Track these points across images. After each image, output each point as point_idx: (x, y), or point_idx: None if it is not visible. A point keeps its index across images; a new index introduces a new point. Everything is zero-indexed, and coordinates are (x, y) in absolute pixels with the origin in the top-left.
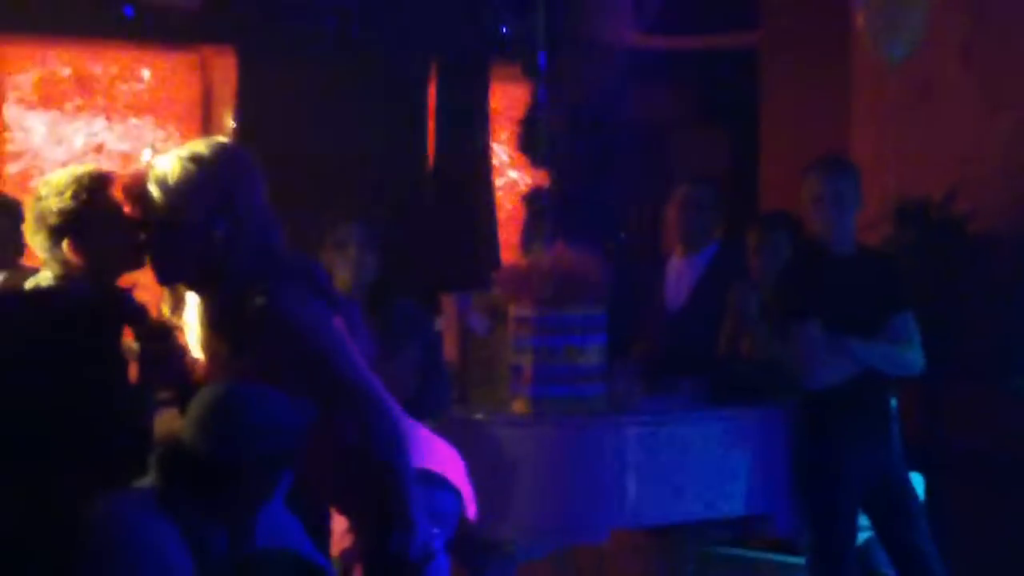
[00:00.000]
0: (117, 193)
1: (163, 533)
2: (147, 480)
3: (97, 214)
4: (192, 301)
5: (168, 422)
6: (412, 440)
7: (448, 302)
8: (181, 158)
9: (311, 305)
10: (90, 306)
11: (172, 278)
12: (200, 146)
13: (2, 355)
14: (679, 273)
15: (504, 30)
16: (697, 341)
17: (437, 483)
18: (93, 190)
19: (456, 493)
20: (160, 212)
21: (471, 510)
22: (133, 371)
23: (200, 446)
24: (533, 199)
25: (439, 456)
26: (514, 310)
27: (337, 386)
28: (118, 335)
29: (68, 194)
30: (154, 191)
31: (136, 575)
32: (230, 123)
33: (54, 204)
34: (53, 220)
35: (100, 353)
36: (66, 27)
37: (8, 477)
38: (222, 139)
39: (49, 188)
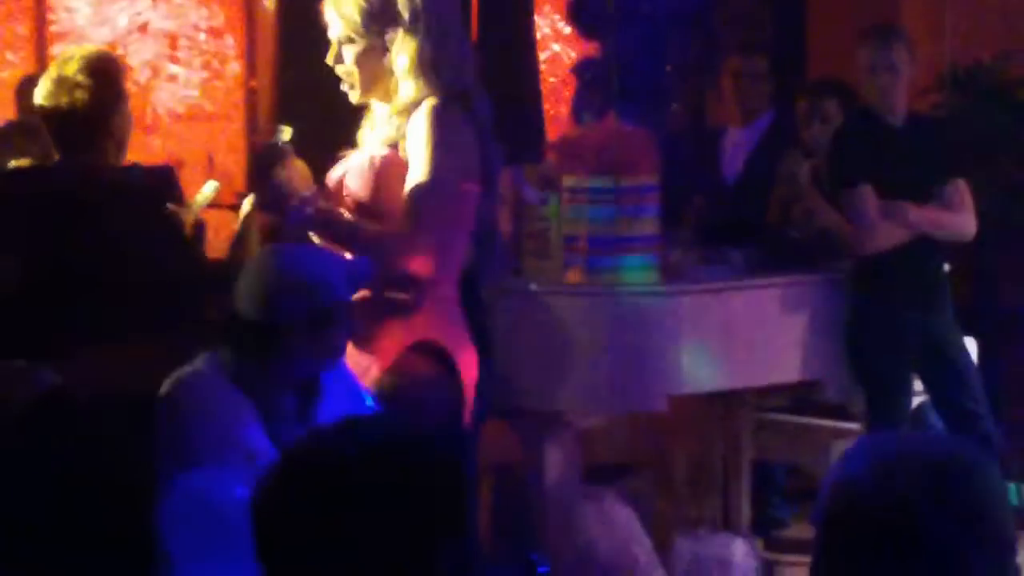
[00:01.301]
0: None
1: (234, 401)
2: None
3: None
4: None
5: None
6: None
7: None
8: None
9: (459, 130)
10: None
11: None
12: None
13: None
14: (734, 144)
15: None
16: (751, 211)
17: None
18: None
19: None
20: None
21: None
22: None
23: (248, 309)
24: (584, 70)
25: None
26: (568, 181)
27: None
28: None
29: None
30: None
31: (208, 443)
32: (272, 1)
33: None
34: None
35: (160, 222)
36: None
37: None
38: None
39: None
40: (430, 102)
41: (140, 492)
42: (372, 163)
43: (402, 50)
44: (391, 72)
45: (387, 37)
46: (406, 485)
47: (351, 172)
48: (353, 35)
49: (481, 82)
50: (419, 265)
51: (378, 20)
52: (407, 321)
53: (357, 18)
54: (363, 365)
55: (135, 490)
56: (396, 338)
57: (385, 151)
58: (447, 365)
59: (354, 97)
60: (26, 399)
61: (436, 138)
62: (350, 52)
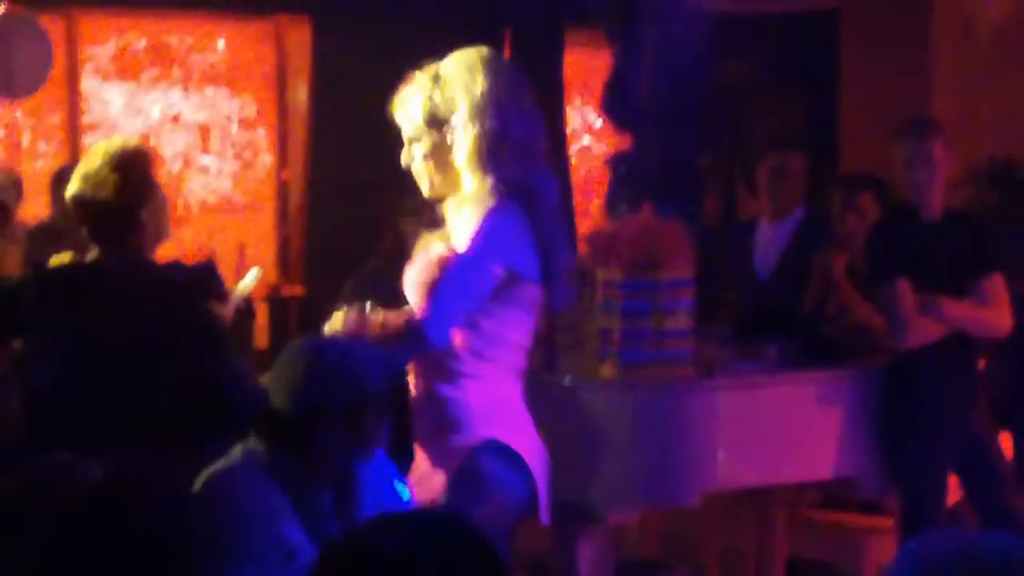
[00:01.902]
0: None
1: (271, 496)
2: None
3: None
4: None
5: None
6: (509, 417)
7: None
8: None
9: (512, 226)
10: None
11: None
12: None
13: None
14: (768, 238)
15: None
16: (786, 305)
17: (512, 460)
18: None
19: (528, 479)
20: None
21: (543, 513)
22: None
23: (280, 400)
24: (617, 163)
25: (526, 441)
26: (602, 274)
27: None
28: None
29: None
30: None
31: (246, 540)
32: (304, 93)
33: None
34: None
35: (198, 324)
36: None
37: (124, 450)
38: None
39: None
40: (486, 200)
41: None
42: (430, 262)
43: (462, 144)
44: (456, 168)
45: (448, 133)
46: None
47: (412, 271)
48: (419, 134)
49: (550, 166)
50: (458, 349)
51: (439, 116)
52: (468, 417)
53: (420, 117)
54: (423, 468)
55: None
56: (457, 434)
57: (444, 248)
58: (514, 462)
59: (428, 193)
60: (77, 492)
61: (480, 230)
62: (418, 150)
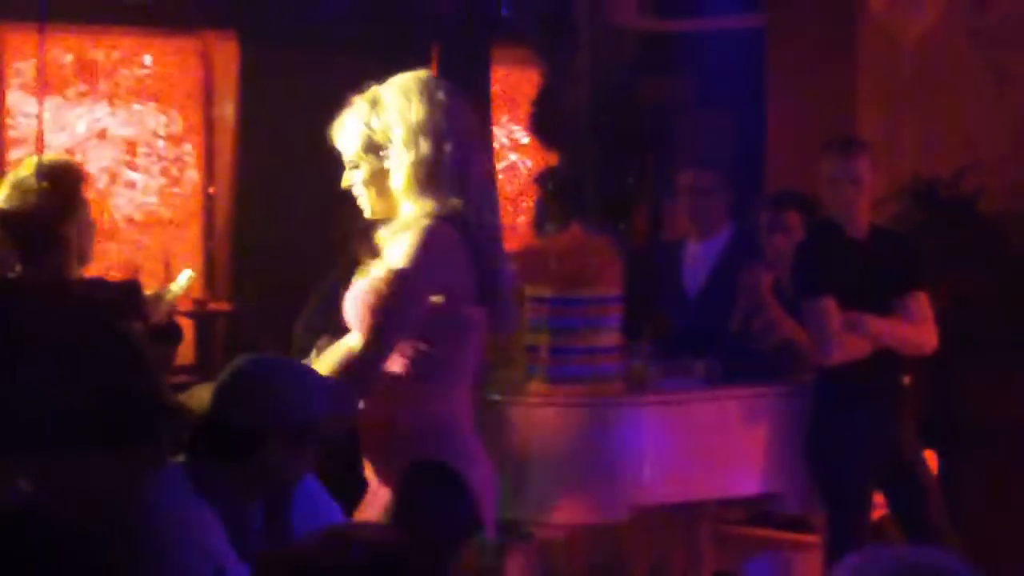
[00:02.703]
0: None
1: (199, 512)
2: (179, 458)
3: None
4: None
5: (201, 395)
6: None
7: None
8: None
9: (447, 251)
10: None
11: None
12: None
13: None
14: (695, 258)
15: (504, 12)
16: (714, 323)
17: (451, 482)
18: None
19: (467, 501)
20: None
21: (488, 527)
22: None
23: (224, 415)
24: (545, 180)
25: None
26: (530, 291)
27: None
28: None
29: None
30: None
31: (175, 555)
32: (231, 109)
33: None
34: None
35: (121, 341)
36: (68, 13)
37: (45, 466)
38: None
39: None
40: (421, 223)
41: None
42: (369, 288)
43: (398, 170)
44: (394, 193)
45: (385, 158)
46: None
47: (351, 297)
48: (357, 159)
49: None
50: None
51: (376, 142)
52: (413, 439)
53: (358, 143)
54: (372, 486)
55: None
56: (402, 457)
57: (381, 273)
58: (454, 484)
59: (370, 216)
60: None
61: (414, 254)
62: (358, 176)
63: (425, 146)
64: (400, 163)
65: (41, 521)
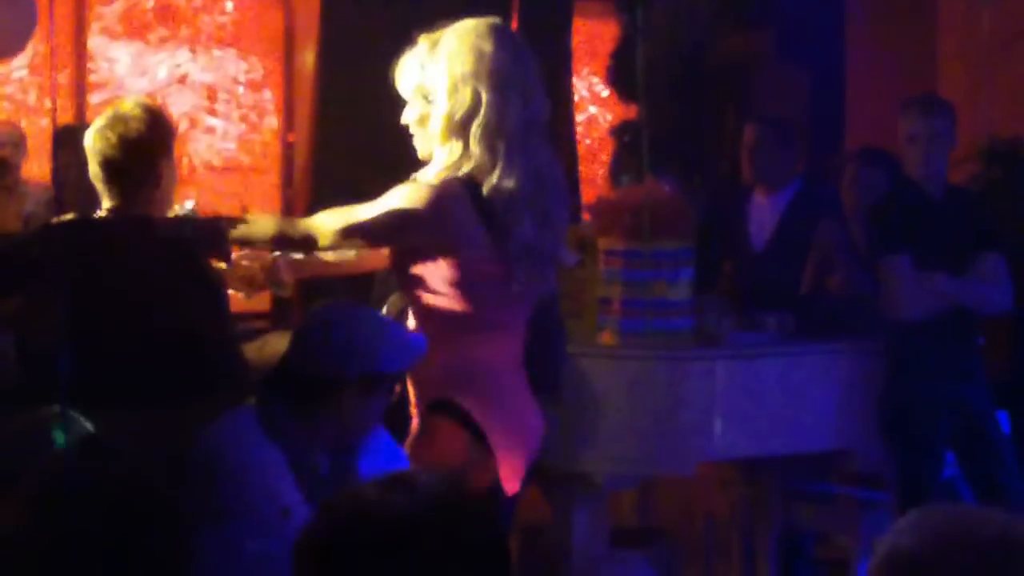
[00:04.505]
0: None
1: (267, 454)
2: (252, 401)
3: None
4: None
5: (275, 343)
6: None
7: None
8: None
9: (449, 210)
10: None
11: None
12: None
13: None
14: (761, 210)
15: None
16: (782, 277)
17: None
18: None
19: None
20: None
21: (509, 484)
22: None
23: (299, 363)
24: (622, 132)
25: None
26: (604, 243)
27: None
28: (209, 267)
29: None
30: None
31: (241, 496)
32: (312, 57)
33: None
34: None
35: (197, 282)
36: None
37: (120, 411)
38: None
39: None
40: (432, 179)
41: (172, 545)
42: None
43: (436, 118)
44: (433, 137)
45: (432, 103)
46: (447, 545)
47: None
48: (410, 99)
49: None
50: None
51: (425, 86)
52: (442, 381)
53: (412, 84)
54: (413, 424)
55: (167, 543)
56: (431, 395)
57: None
58: (464, 426)
59: (421, 156)
60: (61, 444)
61: (400, 200)
62: (411, 115)
63: (465, 96)
64: (439, 110)
65: (100, 455)
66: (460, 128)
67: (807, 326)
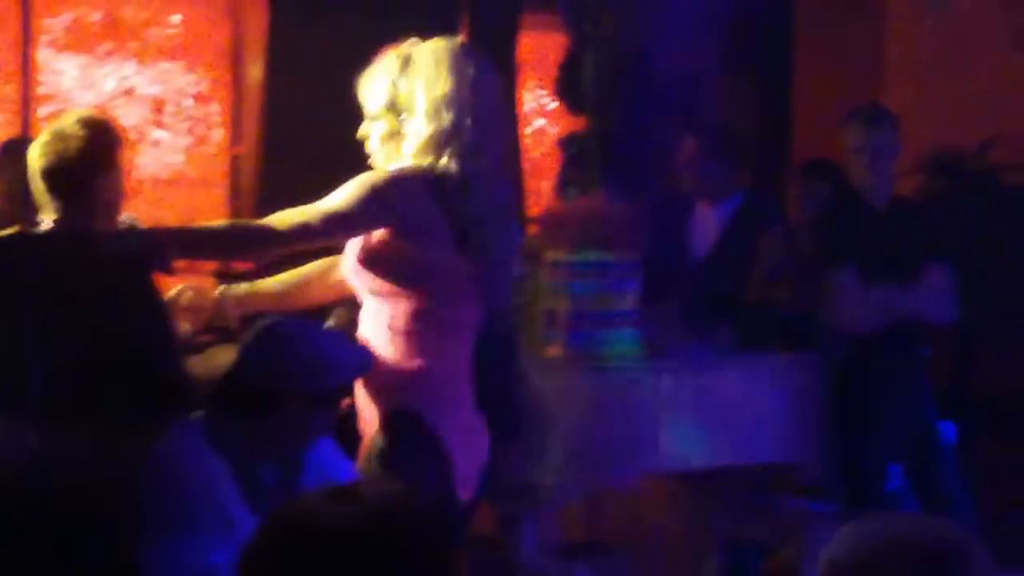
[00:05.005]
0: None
1: (212, 466)
2: (197, 414)
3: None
4: None
5: (220, 356)
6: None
7: None
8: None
9: (405, 193)
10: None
11: None
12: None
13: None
14: (704, 221)
15: None
16: (725, 289)
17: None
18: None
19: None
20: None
21: (463, 492)
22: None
23: (248, 375)
24: (569, 144)
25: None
26: (550, 255)
27: None
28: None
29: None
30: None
31: (186, 508)
32: (259, 69)
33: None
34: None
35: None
36: None
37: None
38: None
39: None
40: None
41: (109, 557)
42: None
43: (413, 136)
44: (404, 154)
45: (404, 121)
46: (392, 557)
47: (349, 255)
48: (378, 115)
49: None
50: None
51: (398, 103)
52: (397, 389)
53: (382, 99)
54: (365, 437)
55: (103, 554)
56: (386, 405)
57: None
58: (425, 436)
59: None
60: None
61: (361, 182)
62: (376, 130)
63: (446, 118)
64: (418, 130)
65: (40, 473)
66: (436, 147)
67: (751, 338)
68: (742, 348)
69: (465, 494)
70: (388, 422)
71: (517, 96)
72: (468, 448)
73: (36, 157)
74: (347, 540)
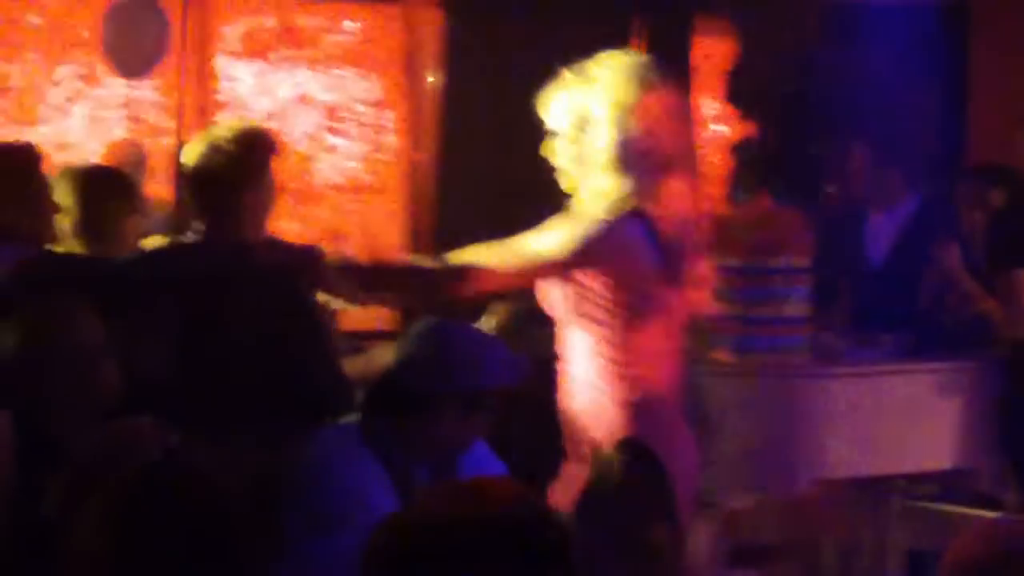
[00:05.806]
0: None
1: (366, 467)
2: (354, 416)
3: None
4: None
5: (379, 357)
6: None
7: None
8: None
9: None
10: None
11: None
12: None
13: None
14: (878, 228)
15: None
16: (900, 295)
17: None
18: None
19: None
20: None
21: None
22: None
23: (403, 376)
24: (742, 150)
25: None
26: (719, 260)
27: None
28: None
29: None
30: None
31: (338, 509)
32: (435, 76)
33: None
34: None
35: (296, 309)
36: None
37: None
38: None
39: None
40: (605, 215)
41: (245, 561)
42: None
43: (602, 148)
44: (594, 168)
45: (591, 134)
46: (508, 559)
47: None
48: (563, 131)
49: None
50: None
51: (585, 118)
52: (611, 420)
53: (566, 115)
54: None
55: (241, 558)
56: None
57: None
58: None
59: (566, 188)
60: (149, 454)
61: (582, 233)
62: (561, 146)
63: (633, 128)
64: (607, 142)
65: (186, 467)
66: (630, 157)
67: (926, 344)
68: (915, 353)
69: (687, 508)
70: (609, 452)
71: (692, 102)
72: (689, 463)
73: (186, 163)
74: (463, 540)
